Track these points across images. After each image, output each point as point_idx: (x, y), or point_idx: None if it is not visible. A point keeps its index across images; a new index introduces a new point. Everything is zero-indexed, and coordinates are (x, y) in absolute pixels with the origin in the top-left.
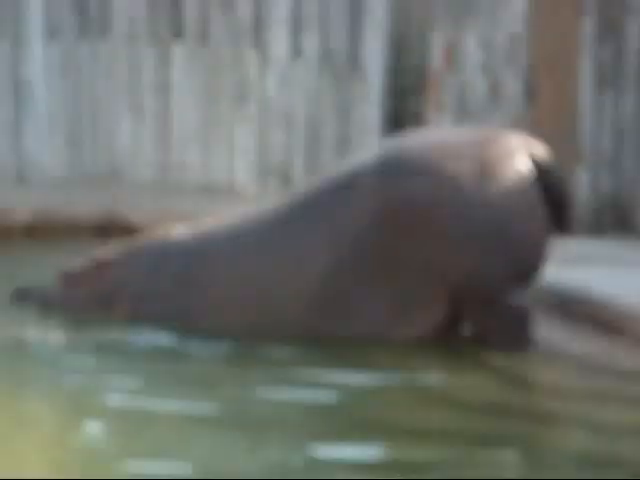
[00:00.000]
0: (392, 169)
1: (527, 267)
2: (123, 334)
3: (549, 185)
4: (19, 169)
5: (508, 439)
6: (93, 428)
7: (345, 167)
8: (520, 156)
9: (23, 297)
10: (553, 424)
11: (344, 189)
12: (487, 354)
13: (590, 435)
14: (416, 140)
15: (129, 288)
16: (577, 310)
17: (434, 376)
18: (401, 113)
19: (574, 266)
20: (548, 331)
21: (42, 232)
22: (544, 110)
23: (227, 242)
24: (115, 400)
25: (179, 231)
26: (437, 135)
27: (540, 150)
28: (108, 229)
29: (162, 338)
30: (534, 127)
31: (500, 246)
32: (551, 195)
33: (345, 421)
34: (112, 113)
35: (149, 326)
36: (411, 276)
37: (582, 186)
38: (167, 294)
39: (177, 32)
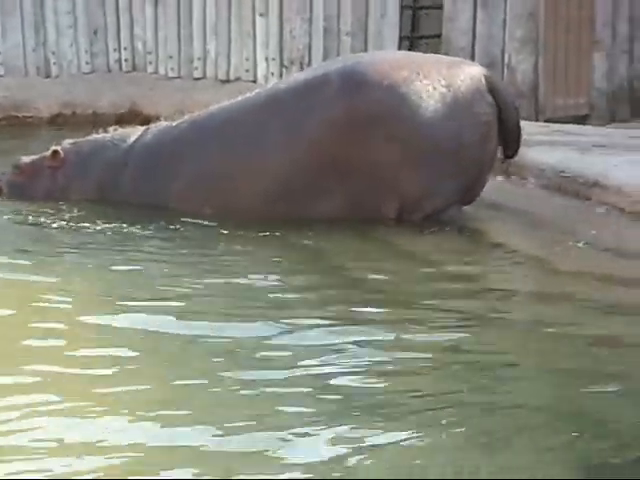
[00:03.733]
0: (359, 79)
1: (473, 189)
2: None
3: (504, 113)
4: (43, 63)
5: None
6: None
7: (314, 71)
8: (480, 82)
9: None
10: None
11: (310, 91)
12: None
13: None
14: (385, 56)
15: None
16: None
17: None
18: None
19: (590, 153)
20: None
21: (66, 123)
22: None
23: (194, 134)
24: None
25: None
26: (406, 54)
27: (497, 79)
28: (129, 120)
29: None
30: (553, 15)
31: (454, 167)
32: (505, 123)
33: None
34: (134, 6)
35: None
36: (363, 183)
37: (599, 73)
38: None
39: None
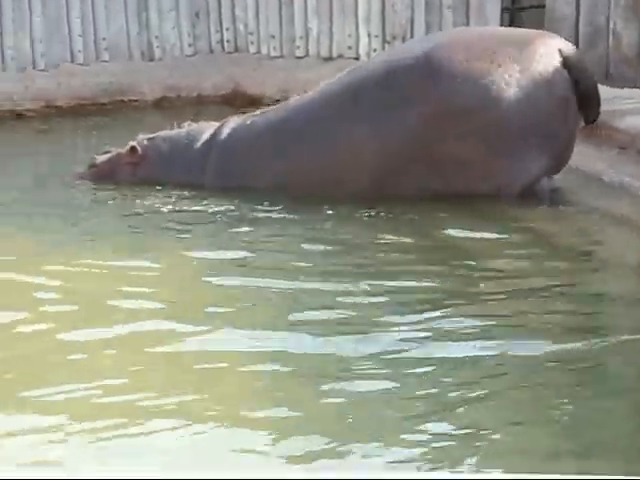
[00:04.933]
0: (440, 71)
1: (560, 160)
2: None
3: (582, 84)
4: (146, 47)
5: None
6: None
7: (390, 61)
8: (554, 57)
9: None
10: None
11: (392, 83)
12: None
13: None
14: (460, 41)
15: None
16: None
17: None
18: None
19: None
20: None
21: (171, 106)
22: None
23: (292, 122)
24: None
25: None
26: (479, 35)
27: (571, 48)
28: (233, 101)
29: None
30: None
31: (540, 145)
32: (583, 92)
33: None
34: None
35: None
36: (455, 169)
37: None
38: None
39: None
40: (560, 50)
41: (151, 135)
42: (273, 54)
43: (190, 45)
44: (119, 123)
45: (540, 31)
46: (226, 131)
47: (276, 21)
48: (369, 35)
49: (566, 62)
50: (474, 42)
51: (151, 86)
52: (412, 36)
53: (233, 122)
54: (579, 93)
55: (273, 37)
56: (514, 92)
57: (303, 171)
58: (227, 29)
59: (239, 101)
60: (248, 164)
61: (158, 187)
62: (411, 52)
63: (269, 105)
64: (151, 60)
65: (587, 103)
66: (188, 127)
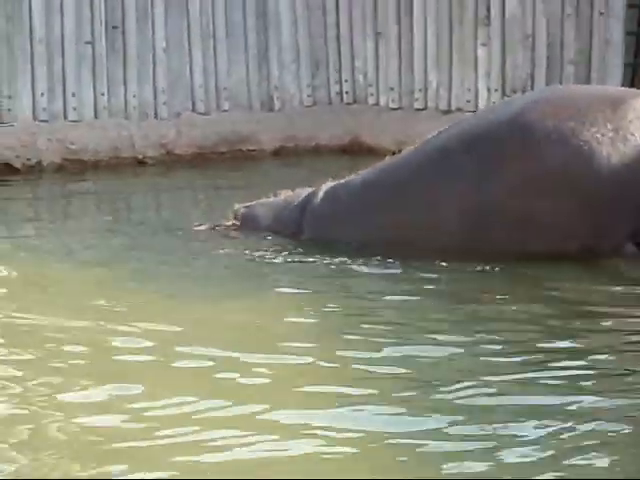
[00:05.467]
0: (531, 134)
1: None
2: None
3: None
4: (266, 98)
5: None
6: None
7: (478, 124)
8: None
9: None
10: None
11: (482, 148)
12: None
13: None
14: (553, 102)
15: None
16: None
17: None
18: None
19: None
20: None
21: (288, 155)
22: None
23: (383, 185)
24: None
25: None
26: (569, 94)
27: None
28: (351, 152)
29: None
30: None
31: (629, 208)
32: None
33: None
34: (355, 39)
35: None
36: (545, 235)
37: None
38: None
39: None
40: None
41: (249, 203)
42: (392, 106)
43: (309, 96)
44: (238, 173)
45: (636, 90)
46: (323, 189)
47: (395, 73)
48: (489, 89)
49: None
50: (564, 102)
51: (270, 136)
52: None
53: (329, 184)
54: None
55: (392, 89)
56: (605, 153)
57: (403, 225)
58: (346, 80)
59: (356, 152)
60: (347, 217)
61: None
62: (505, 111)
63: (385, 156)
64: (270, 110)
65: None
66: (285, 194)
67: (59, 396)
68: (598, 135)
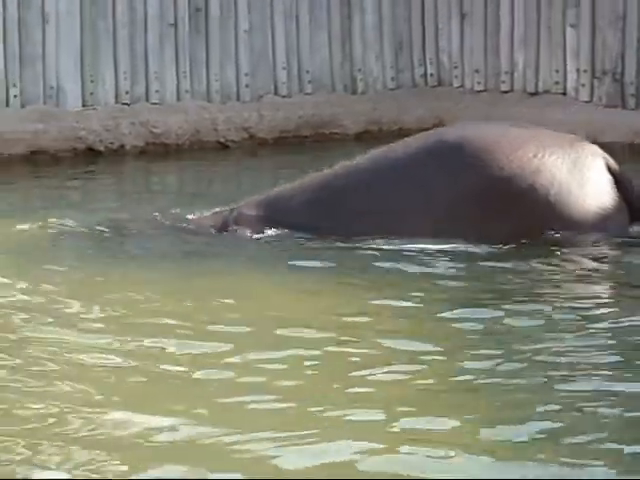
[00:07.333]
0: (487, 159)
1: None
2: None
3: (623, 189)
4: (350, 80)
5: None
6: None
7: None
8: (602, 161)
9: None
10: None
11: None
12: None
13: None
14: (505, 133)
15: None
16: None
17: None
18: None
19: None
20: None
21: (372, 139)
22: None
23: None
24: None
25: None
26: (529, 133)
27: (609, 156)
28: None
29: None
30: None
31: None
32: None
33: None
34: (440, 19)
35: None
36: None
37: None
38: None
39: None
40: (604, 157)
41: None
42: (477, 88)
43: (393, 79)
44: (321, 157)
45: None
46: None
47: (481, 54)
48: (577, 70)
49: (609, 168)
50: (522, 135)
51: (353, 119)
52: (623, 72)
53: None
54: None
55: (477, 71)
56: (565, 183)
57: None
58: (431, 62)
59: None
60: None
61: None
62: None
63: None
64: (354, 93)
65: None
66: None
67: None
68: (559, 162)
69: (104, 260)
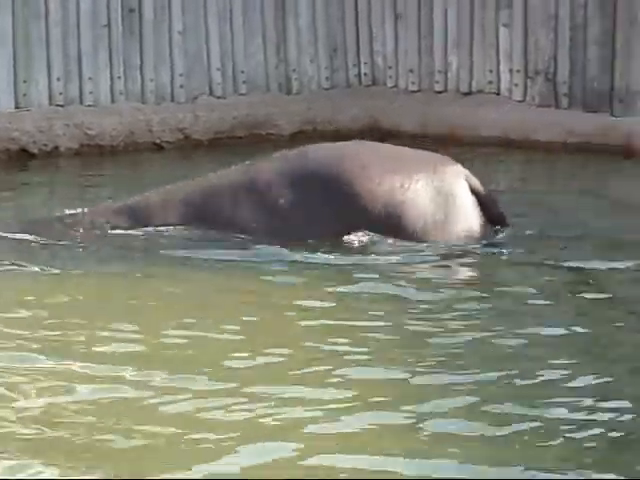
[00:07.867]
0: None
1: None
2: None
3: (485, 204)
4: (284, 81)
5: None
6: None
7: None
8: (465, 183)
9: None
10: None
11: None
12: None
13: None
14: (371, 153)
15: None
16: None
17: None
18: None
19: None
20: None
21: (307, 139)
22: None
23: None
24: None
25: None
26: (391, 154)
27: (471, 175)
28: (369, 135)
29: None
30: None
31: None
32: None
33: None
34: (373, 21)
35: None
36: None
37: None
38: None
39: None
40: (466, 175)
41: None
42: (411, 88)
43: (327, 78)
44: (252, 155)
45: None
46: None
47: (415, 54)
48: (511, 71)
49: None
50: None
51: (288, 119)
52: (555, 72)
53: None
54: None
55: (411, 71)
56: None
57: None
58: (365, 63)
59: (376, 135)
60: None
61: None
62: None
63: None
64: (288, 93)
65: (495, 221)
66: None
67: None
68: (423, 183)
69: None
